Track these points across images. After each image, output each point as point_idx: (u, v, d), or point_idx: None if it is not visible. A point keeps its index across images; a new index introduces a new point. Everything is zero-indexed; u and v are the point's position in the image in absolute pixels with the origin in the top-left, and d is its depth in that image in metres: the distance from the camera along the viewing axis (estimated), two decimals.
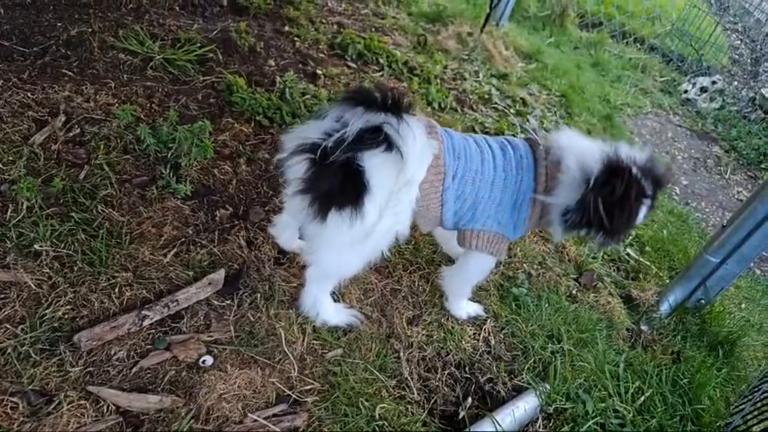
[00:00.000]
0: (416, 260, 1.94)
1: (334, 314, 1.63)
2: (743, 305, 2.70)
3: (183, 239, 1.68)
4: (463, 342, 1.74)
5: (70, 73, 2.06)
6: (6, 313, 1.34)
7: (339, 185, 1.28)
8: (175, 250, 1.64)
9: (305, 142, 1.31)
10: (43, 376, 1.27)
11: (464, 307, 1.81)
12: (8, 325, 1.32)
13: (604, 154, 1.41)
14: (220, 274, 1.61)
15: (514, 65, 3.92)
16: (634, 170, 1.40)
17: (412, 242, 1.99)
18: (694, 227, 3.24)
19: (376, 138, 1.26)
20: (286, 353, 1.50)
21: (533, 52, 4.26)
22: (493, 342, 1.78)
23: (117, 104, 2.00)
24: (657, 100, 5.14)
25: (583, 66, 4.85)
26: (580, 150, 1.45)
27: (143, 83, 2.16)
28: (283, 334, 1.53)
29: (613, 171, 1.38)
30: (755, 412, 1.71)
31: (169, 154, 1.89)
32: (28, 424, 1.18)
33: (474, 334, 1.78)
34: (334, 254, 1.45)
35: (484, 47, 3.81)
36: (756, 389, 1.92)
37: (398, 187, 1.35)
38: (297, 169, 1.33)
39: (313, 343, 1.56)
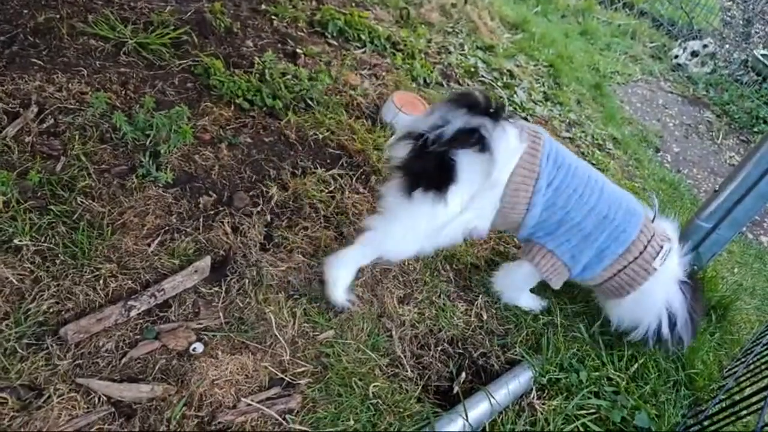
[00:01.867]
0: None
1: (342, 290, 1.59)
2: (736, 269, 2.72)
3: (167, 228, 1.65)
4: (455, 318, 1.73)
5: (39, 62, 1.99)
6: None
7: (431, 170, 1.41)
8: (159, 239, 1.61)
9: (413, 131, 1.43)
10: (31, 371, 1.25)
11: (523, 299, 1.83)
12: None
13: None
14: (206, 262, 1.58)
15: (500, 36, 3.85)
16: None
17: None
18: (686, 194, 3.24)
19: (471, 138, 1.37)
20: (277, 337, 1.49)
21: (519, 22, 4.19)
22: (485, 317, 1.78)
23: (91, 92, 1.94)
24: (647, 66, 5.09)
25: (571, 34, 4.78)
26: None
27: (117, 69, 2.09)
28: (273, 319, 1.52)
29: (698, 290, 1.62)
30: (748, 374, 1.72)
31: (148, 142, 1.85)
32: (19, 419, 1.17)
33: (466, 309, 1.77)
34: (402, 231, 1.52)
35: (469, 18, 3.73)
36: (749, 351, 1.94)
37: (484, 187, 1.43)
38: (402, 150, 1.47)
39: (304, 326, 1.55)
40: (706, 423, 1.55)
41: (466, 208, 1.45)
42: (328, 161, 2.12)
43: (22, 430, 1.16)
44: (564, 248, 1.56)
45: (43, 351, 1.29)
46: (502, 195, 1.49)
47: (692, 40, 5.52)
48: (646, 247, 1.56)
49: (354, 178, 2.08)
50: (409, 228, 1.52)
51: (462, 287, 1.83)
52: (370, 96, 2.53)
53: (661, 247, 1.57)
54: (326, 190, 1.97)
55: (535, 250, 1.61)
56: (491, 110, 1.39)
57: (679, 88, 4.92)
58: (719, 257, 2.55)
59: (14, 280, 1.39)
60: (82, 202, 1.61)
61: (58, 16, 2.18)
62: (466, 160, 1.39)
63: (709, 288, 2.24)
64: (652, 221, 1.65)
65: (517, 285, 1.79)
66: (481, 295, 1.82)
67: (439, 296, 1.78)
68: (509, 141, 1.42)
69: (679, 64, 5.28)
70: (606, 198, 1.53)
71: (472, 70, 3.19)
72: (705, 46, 5.34)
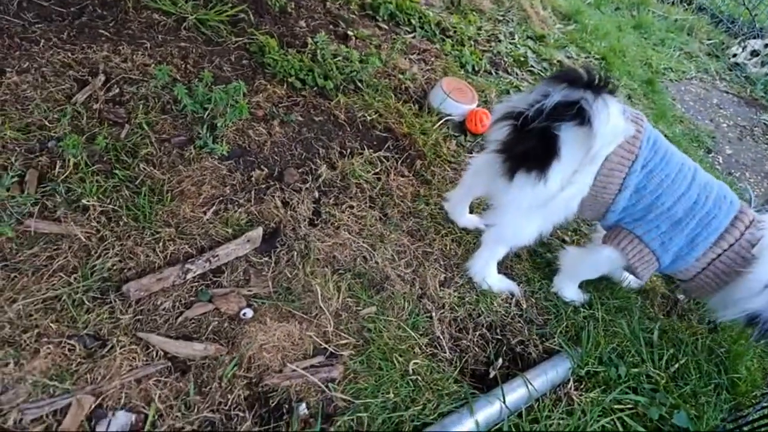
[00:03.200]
0: (448, 224, 1.93)
1: (498, 281, 1.75)
2: None
3: (221, 198, 1.72)
4: (495, 305, 1.74)
5: (106, 33, 2.08)
6: (59, 263, 1.41)
7: (532, 148, 1.40)
8: (214, 208, 1.68)
9: (512, 110, 1.44)
10: (96, 322, 1.34)
11: (571, 290, 1.82)
12: (62, 274, 1.39)
13: None
14: (258, 232, 1.64)
15: (552, 26, 3.76)
16: None
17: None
18: None
19: (571, 111, 1.34)
20: (322, 309, 1.54)
21: (572, 13, 4.08)
22: (525, 306, 1.78)
23: (153, 64, 2.02)
24: (703, 64, 4.88)
25: (625, 28, 4.62)
26: None
27: (177, 44, 2.17)
28: (319, 291, 1.57)
29: None
30: None
31: (206, 115, 1.91)
32: (85, 365, 1.26)
33: (506, 297, 1.78)
34: (513, 216, 1.56)
35: (521, 7, 3.66)
36: None
37: (585, 161, 1.40)
38: (500, 133, 1.47)
39: (347, 301, 1.59)
40: (746, 429, 1.52)
41: (569, 183, 1.43)
42: (375, 143, 2.14)
43: (87, 375, 1.25)
44: (653, 234, 1.50)
45: (107, 305, 1.38)
46: (596, 173, 1.46)
47: (753, 39, 5.24)
48: (743, 234, 1.47)
49: (400, 161, 2.10)
50: (520, 213, 1.53)
51: (504, 275, 1.83)
52: (418, 81, 2.53)
53: (762, 237, 1.46)
54: (372, 171, 2.00)
55: (622, 235, 1.56)
56: (593, 83, 1.35)
57: (736, 88, 4.70)
58: None
59: (82, 237, 1.48)
60: (144, 168, 1.70)
61: None
62: (568, 135, 1.37)
63: None
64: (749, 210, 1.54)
65: (581, 270, 1.75)
66: (521, 284, 1.83)
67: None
68: (611, 116, 1.35)
69: (737, 63, 5.04)
70: (697, 185, 1.48)
71: (522, 59, 3.14)
72: (766, 45, 5.06)
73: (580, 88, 1.34)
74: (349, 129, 2.15)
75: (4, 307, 1.28)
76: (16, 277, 1.35)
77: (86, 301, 1.36)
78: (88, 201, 1.55)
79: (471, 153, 2.32)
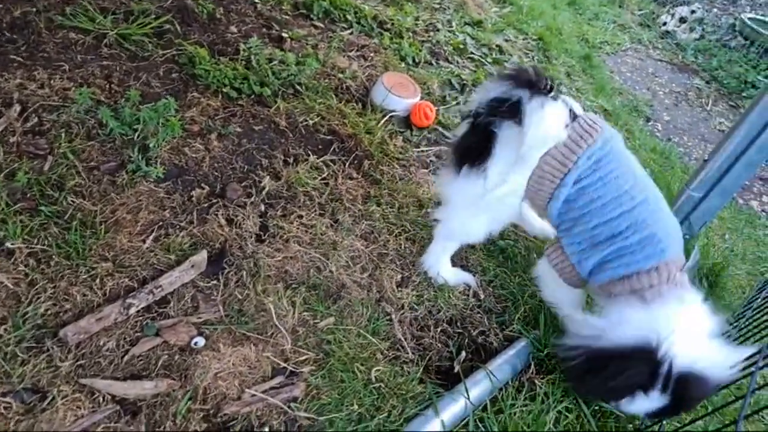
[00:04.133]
0: (401, 223, 1.92)
1: (452, 275, 1.77)
2: (727, 236, 2.75)
3: (160, 223, 1.64)
4: (453, 298, 1.75)
5: (19, 58, 1.94)
6: None
7: (474, 143, 1.45)
8: (153, 234, 1.60)
9: (471, 108, 1.48)
10: (33, 374, 1.25)
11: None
12: None
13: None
14: (202, 255, 1.58)
15: (488, 10, 3.79)
16: None
17: (396, 205, 1.97)
18: (677, 163, 3.25)
19: (503, 107, 1.37)
20: (278, 327, 1.50)
21: None
22: (482, 296, 1.79)
23: (74, 88, 1.90)
24: (636, 35, 5.05)
25: (559, 6, 4.72)
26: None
27: (99, 63, 2.05)
28: (273, 309, 1.53)
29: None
30: (740, 338, 1.76)
31: (136, 137, 1.82)
32: (24, 422, 1.18)
33: (463, 290, 1.79)
34: (460, 211, 1.58)
35: None
36: (741, 316, 1.98)
37: (516, 161, 1.41)
38: (460, 130, 1.56)
39: (304, 315, 1.56)
40: None
41: (503, 182, 1.44)
42: (320, 147, 2.10)
43: None
44: (573, 248, 1.50)
45: (44, 353, 1.30)
46: (530, 176, 1.47)
47: (680, 6, 5.46)
48: (653, 285, 1.37)
49: (347, 164, 2.07)
50: (465, 208, 1.55)
51: (460, 267, 1.84)
52: (359, 78, 2.50)
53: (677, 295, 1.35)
54: (319, 177, 1.96)
55: (552, 244, 1.59)
56: (534, 83, 1.35)
57: (668, 55, 4.89)
58: (710, 224, 2.58)
59: (9, 285, 1.38)
60: (72, 201, 1.60)
61: (34, 10, 2.12)
62: (504, 133, 1.40)
63: (701, 256, 2.27)
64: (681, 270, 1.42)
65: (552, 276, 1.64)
66: (477, 274, 1.84)
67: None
68: (544, 118, 1.36)
69: (667, 31, 5.24)
70: (631, 217, 1.41)
71: (461, 46, 3.14)
72: (693, 11, 5.29)
73: (521, 87, 1.35)
74: (291, 135, 2.10)
75: None
76: None
77: (19, 353, 1.28)
78: (12, 244, 1.45)
79: (418, 147, 2.31)
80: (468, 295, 1.78)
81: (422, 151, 2.30)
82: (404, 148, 2.26)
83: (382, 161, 2.13)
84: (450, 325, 1.69)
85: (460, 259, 1.88)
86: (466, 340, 1.67)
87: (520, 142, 1.37)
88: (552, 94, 1.40)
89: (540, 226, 1.93)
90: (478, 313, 1.75)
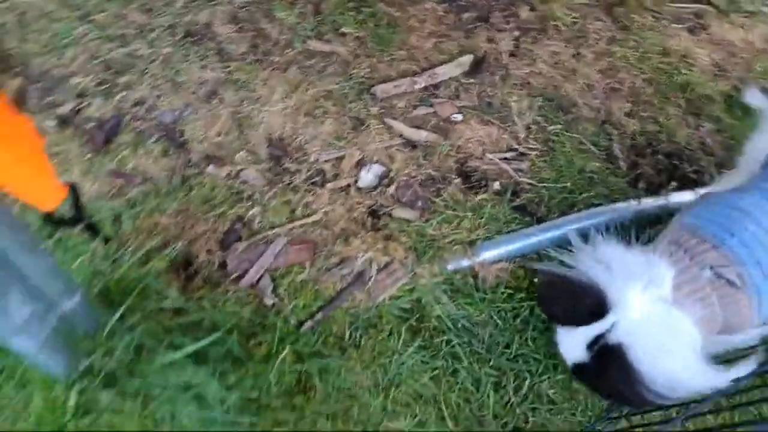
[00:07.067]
0: (640, 66, 2.05)
1: None
2: None
3: (438, 32, 2.11)
4: (677, 136, 1.88)
5: None
6: (331, 69, 2.00)
7: None
8: (434, 40, 2.09)
9: None
10: (356, 110, 1.91)
11: None
12: (333, 77, 1.98)
13: None
14: (467, 58, 2.02)
15: None
16: None
17: (640, 50, 2.09)
18: None
19: None
20: (515, 122, 1.90)
21: None
22: (709, 142, 1.88)
23: None
24: None
25: None
26: None
27: None
28: (514, 107, 1.92)
29: None
30: None
31: None
32: (353, 134, 1.85)
33: (690, 132, 1.90)
34: None
35: None
36: None
37: None
38: None
39: (537, 118, 1.91)
40: None
41: None
42: None
43: (354, 140, 1.84)
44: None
45: (362, 100, 1.94)
46: None
47: None
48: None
49: (599, 7, 2.21)
50: None
51: (689, 113, 1.93)
52: None
53: None
54: (571, 16, 2.17)
55: None
56: None
57: None
58: None
59: (345, 53, 2.04)
60: (382, 8, 2.16)
61: None
62: None
63: None
64: None
65: None
66: (709, 123, 1.91)
67: (668, 118, 1.92)
68: None
69: None
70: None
71: None
72: None
73: None
74: None
75: (307, 91, 1.93)
76: (307, 73, 1.98)
77: (350, 96, 1.94)
78: (346, 29, 2.10)
79: (675, 2, 2.28)
80: (693, 139, 1.89)
81: (680, 6, 2.27)
82: (660, 0, 2.26)
83: (634, 10, 2.21)
84: (668, 157, 1.86)
85: (695, 108, 1.95)
86: (679, 174, 1.83)
87: None
88: None
89: None
90: (699, 154, 1.86)
